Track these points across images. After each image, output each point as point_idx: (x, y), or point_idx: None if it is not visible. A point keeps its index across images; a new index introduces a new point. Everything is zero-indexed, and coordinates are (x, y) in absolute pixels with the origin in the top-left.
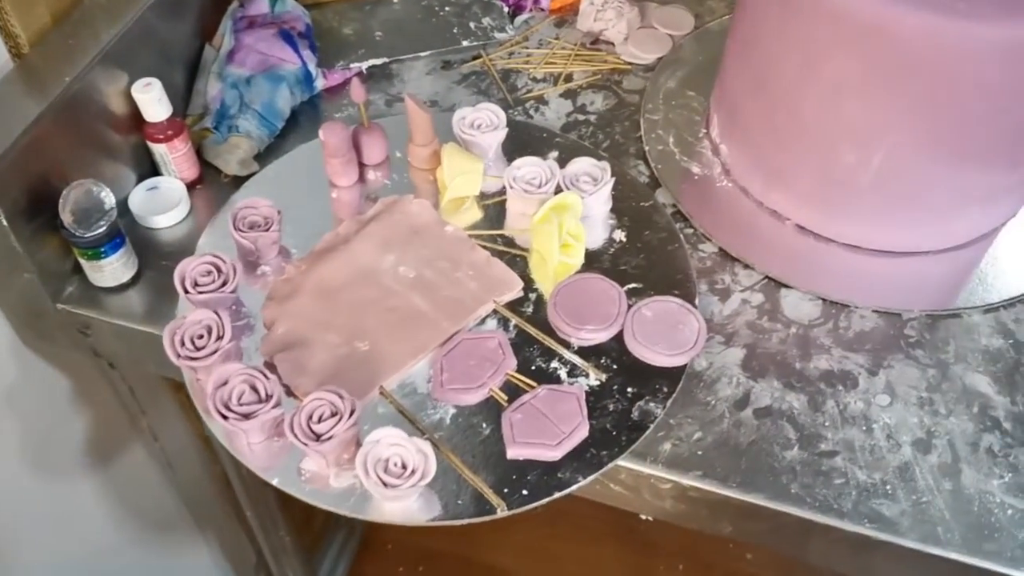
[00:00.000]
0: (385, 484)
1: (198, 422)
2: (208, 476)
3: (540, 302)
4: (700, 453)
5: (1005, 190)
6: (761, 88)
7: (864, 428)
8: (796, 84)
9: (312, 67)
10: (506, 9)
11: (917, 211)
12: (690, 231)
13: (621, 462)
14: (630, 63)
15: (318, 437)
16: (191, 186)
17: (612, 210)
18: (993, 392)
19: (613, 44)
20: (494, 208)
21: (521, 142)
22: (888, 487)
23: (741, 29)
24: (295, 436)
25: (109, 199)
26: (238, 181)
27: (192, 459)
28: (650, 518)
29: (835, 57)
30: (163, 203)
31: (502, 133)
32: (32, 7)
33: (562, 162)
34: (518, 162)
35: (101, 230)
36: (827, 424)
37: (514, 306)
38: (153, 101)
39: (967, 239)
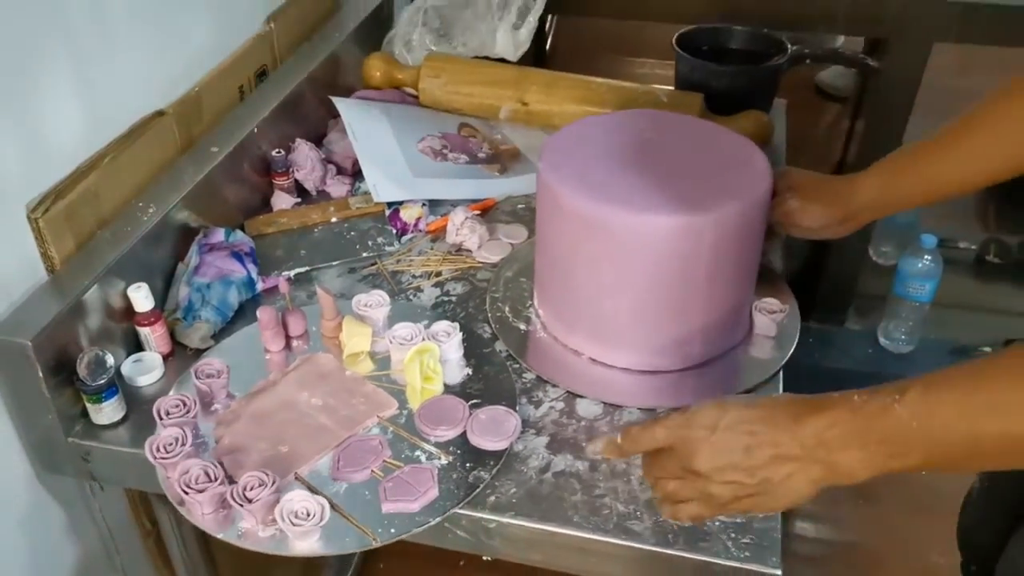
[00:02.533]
0: (295, 524)
1: (163, 568)
2: None
3: (411, 415)
4: (514, 501)
5: (716, 326)
6: (553, 265)
7: (625, 480)
8: (569, 260)
9: (254, 275)
10: (395, 231)
11: (659, 343)
12: (517, 366)
13: (459, 510)
14: (482, 262)
15: (250, 500)
16: (166, 357)
17: (464, 355)
18: None
19: (471, 251)
20: (383, 359)
21: (403, 316)
22: (638, 513)
23: (539, 227)
24: (234, 500)
25: (110, 360)
26: (199, 353)
27: None
28: (490, 558)
29: (583, 240)
30: (146, 369)
31: (387, 308)
32: (63, 239)
33: (428, 326)
34: (396, 326)
35: (103, 380)
36: (601, 479)
37: (392, 419)
38: (141, 298)
39: (703, 359)
